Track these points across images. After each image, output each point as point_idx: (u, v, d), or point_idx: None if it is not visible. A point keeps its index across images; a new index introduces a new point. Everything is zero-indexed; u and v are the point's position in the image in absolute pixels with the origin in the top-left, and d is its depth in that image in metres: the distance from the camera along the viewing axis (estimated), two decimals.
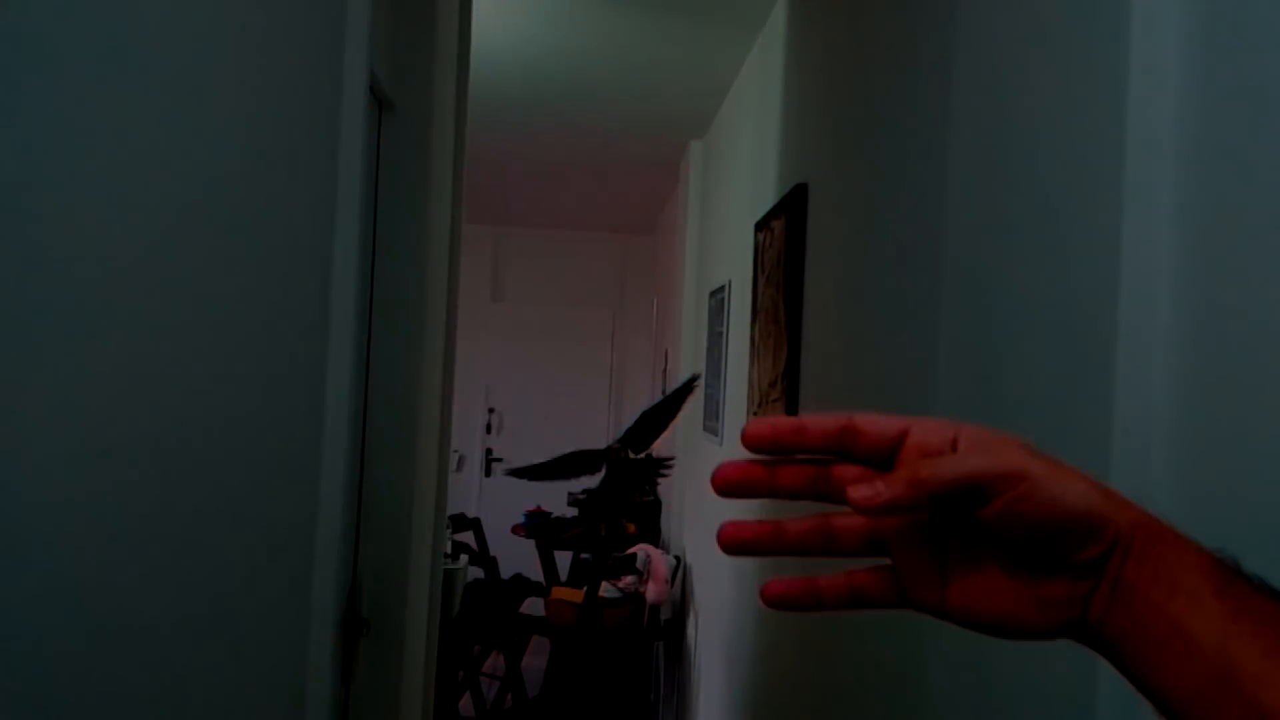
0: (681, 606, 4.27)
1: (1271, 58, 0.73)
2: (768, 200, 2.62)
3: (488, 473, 6.66)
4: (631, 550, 4.18)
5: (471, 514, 4.78)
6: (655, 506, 5.01)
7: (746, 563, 2.76)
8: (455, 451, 5.86)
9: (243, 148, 0.96)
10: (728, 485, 0.41)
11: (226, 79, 0.91)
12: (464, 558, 3.51)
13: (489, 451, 6.69)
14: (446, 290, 2.31)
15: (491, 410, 6.70)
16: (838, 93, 2.02)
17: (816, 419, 0.40)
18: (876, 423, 0.40)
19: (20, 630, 0.62)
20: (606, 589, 3.93)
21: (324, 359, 1.25)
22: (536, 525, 5.00)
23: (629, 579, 4.02)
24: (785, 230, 2.30)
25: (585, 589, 3.77)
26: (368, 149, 1.60)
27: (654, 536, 4.80)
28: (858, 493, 0.38)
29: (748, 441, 0.40)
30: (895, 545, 0.42)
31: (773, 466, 0.41)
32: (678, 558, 4.30)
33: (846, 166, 1.92)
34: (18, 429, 0.60)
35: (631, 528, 4.66)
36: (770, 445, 0.40)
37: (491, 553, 4.39)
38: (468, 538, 4.30)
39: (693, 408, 4.06)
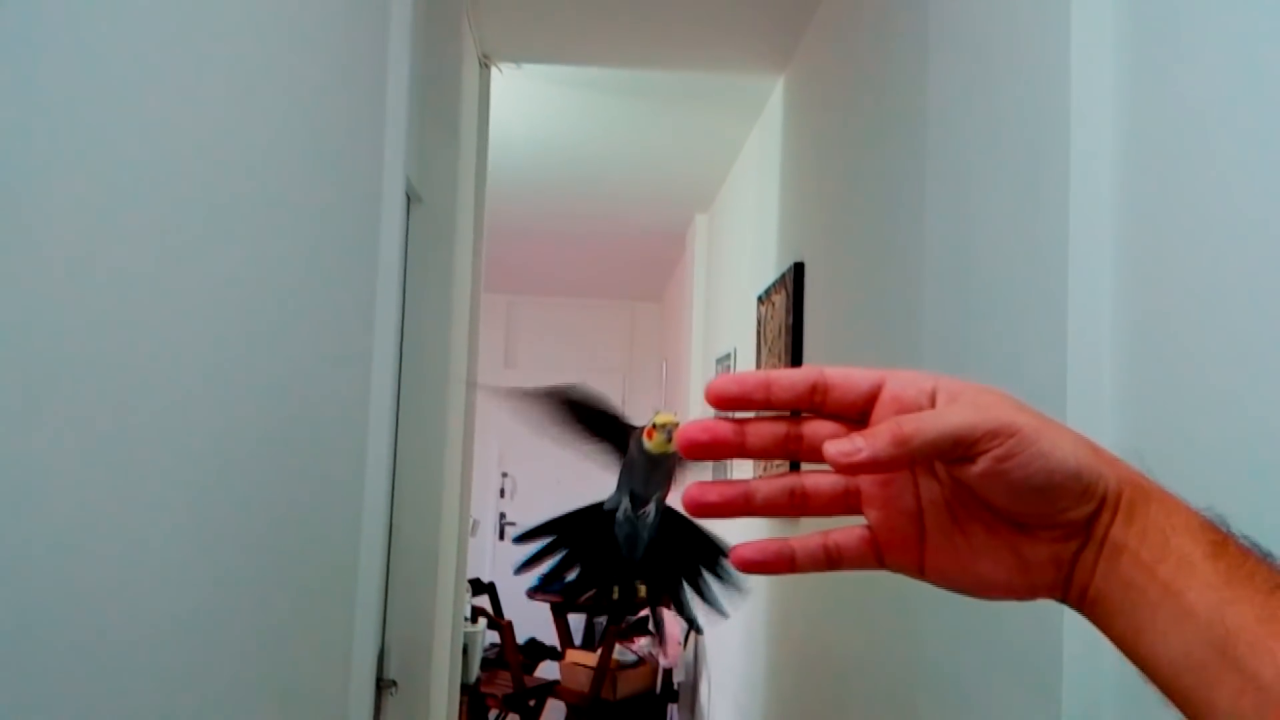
0: (694, 668, 4.31)
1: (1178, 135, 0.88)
2: (768, 275, 2.77)
3: (501, 536, 6.73)
4: (644, 613, 4.24)
5: (486, 578, 4.85)
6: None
7: (757, 626, 2.84)
8: (470, 517, 5.95)
9: (303, 256, 1.11)
10: (694, 446, 0.38)
11: (294, 189, 1.07)
12: (482, 621, 3.59)
13: (502, 516, 6.78)
14: (467, 361, 2.46)
15: (505, 475, 6.80)
16: (829, 179, 2.19)
17: (785, 373, 0.38)
18: (849, 376, 0.38)
19: (102, 690, 0.74)
20: (620, 652, 3.99)
21: (365, 436, 1.39)
22: (552, 589, 5.05)
23: (642, 641, 4.08)
24: (785, 304, 2.45)
25: (599, 652, 3.84)
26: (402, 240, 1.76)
27: (662, 603, 4.84)
28: (835, 449, 0.36)
29: (712, 398, 0.38)
30: (870, 504, 0.40)
31: (740, 425, 0.39)
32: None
33: (838, 247, 2.07)
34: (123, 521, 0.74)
35: (644, 590, 4.71)
36: (736, 402, 0.38)
37: (506, 616, 4.45)
38: (483, 602, 4.37)
39: (698, 471, 4.15)
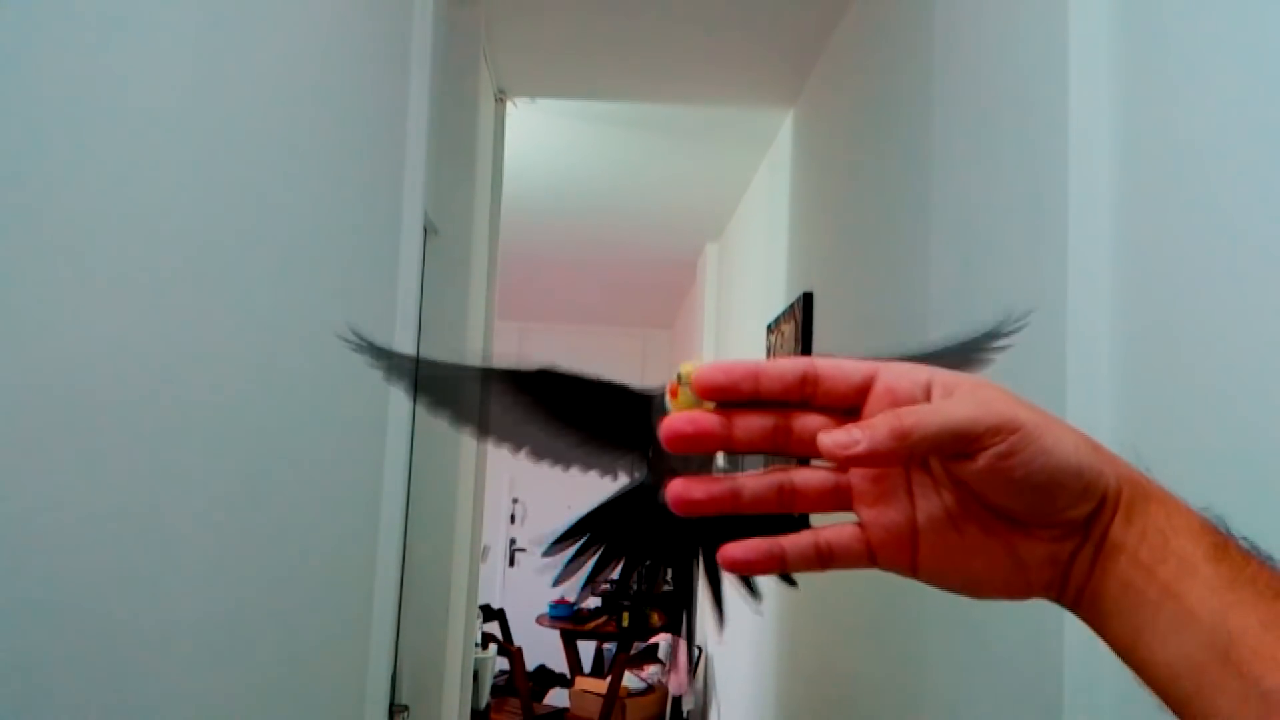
0: (704, 697, 4.29)
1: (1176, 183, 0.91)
2: (778, 304, 2.81)
3: (511, 563, 6.74)
4: (654, 640, 4.24)
5: (496, 604, 4.86)
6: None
7: (766, 653, 2.84)
8: (481, 542, 5.96)
9: (327, 288, 1.15)
10: (678, 439, 0.37)
11: (320, 224, 1.11)
12: (492, 647, 3.60)
13: (512, 541, 6.79)
14: None
15: (515, 500, 6.82)
16: (837, 210, 2.23)
17: (774, 363, 0.37)
18: (840, 367, 0.37)
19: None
20: (630, 679, 3.99)
21: (382, 461, 1.43)
22: (561, 616, 5.06)
23: (652, 669, 4.08)
24: (794, 333, 2.49)
25: (608, 679, 3.83)
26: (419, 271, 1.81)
27: (677, 626, 4.83)
28: (831, 440, 0.35)
29: (699, 387, 0.37)
30: (862, 501, 0.38)
31: (728, 417, 0.37)
32: (700, 648, 4.34)
33: (846, 277, 2.11)
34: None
35: (656, 617, 4.72)
36: (723, 391, 0.36)
37: (516, 643, 4.46)
38: (493, 628, 4.38)
39: None
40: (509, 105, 2.68)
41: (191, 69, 0.78)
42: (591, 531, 0.59)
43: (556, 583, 0.59)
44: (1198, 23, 0.88)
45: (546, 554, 0.57)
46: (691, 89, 2.74)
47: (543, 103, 2.78)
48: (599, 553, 0.58)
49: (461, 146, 2.15)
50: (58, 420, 0.61)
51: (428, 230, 2.02)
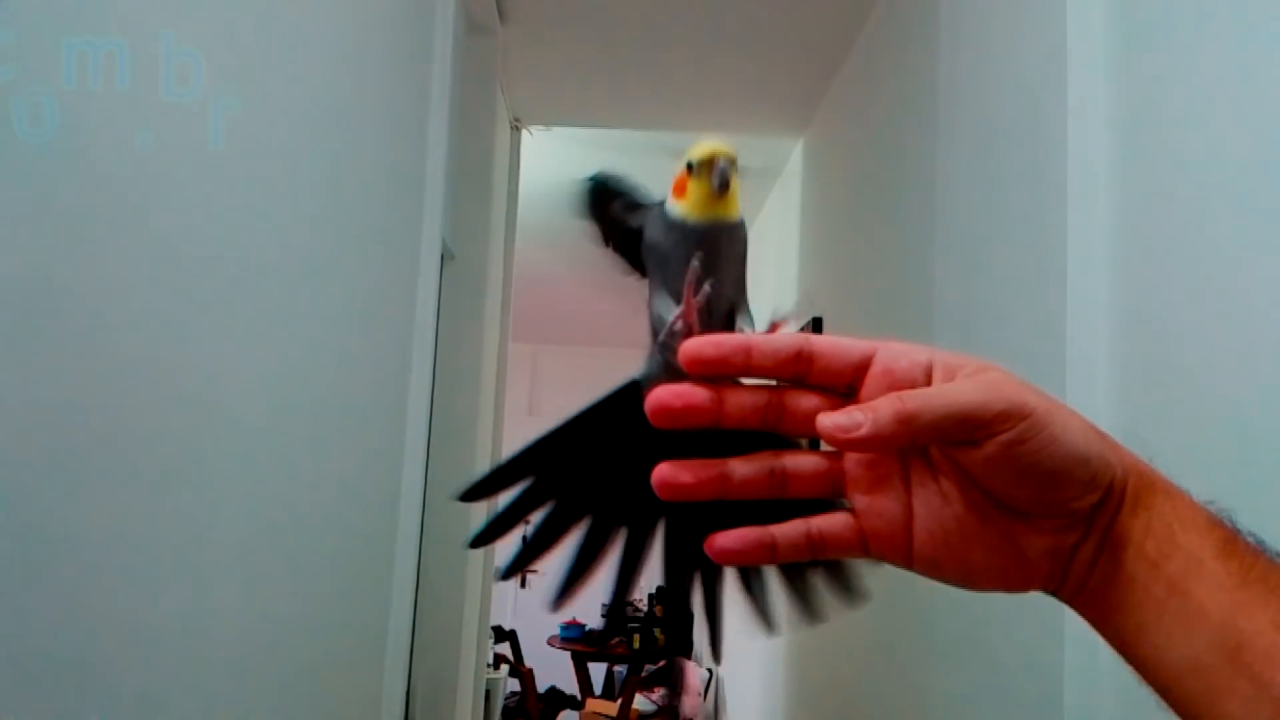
0: (714, 719, 4.28)
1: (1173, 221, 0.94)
2: (788, 328, 2.84)
3: (523, 584, 6.74)
4: (664, 662, 4.23)
5: (508, 626, 4.87)
6: (687, 618, 5.05)
7: (776, 674, 2.85)
8: (494, 563, 5.95)
9: (351, 317, 1.19)
10: (665, 413, 0.35)
11: (345, 255, 1.15)
12: (504, 668, 3.61)
13: None
14: (494, 411, 2.54)
15: (526, 521, 6.82)
16: (846, 237, 2.27)
17: (768, 338, 0.35)
18: (837, 345, 0.35)
19: None
20: (640, 702, 3.99)
21: (399, 484, 1.46)
22: (573, 637, 5.06)
23: (662, 691, 4.07)
24: None
25: (619, 702, 3.83)
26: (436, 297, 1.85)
27: (686, 648, 4.83)
28: (831, 422, 0.33)
29: (688, 361, 0.34)
30: (856, 487, 0.36)
31: (718, 392, 0.36)
32: (710, 670, 4.34)
33: (855, 303, 2.14)
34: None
35: (664, 639, 4.71)
36: (713, 365, 0.35)
37: (527, 664, 4.46)
38: (504, 649, 4.39)
39: None
40: (524, 133, 2.74)
41: (223, 97, 0.82)
42: (538, 473, 0.42)
43: (555, 605, 0.50)
44: (1193, 42, 0.91)
45: (464, 498, 0.48)
46: (703, 117, 2.79)
47: (557, 130, 2.84)
48: (542, 508, 0.44)
49: (478, 173, 2.20)
50: (92, 437, 0.65)
51: (445, 255, 2.07)
